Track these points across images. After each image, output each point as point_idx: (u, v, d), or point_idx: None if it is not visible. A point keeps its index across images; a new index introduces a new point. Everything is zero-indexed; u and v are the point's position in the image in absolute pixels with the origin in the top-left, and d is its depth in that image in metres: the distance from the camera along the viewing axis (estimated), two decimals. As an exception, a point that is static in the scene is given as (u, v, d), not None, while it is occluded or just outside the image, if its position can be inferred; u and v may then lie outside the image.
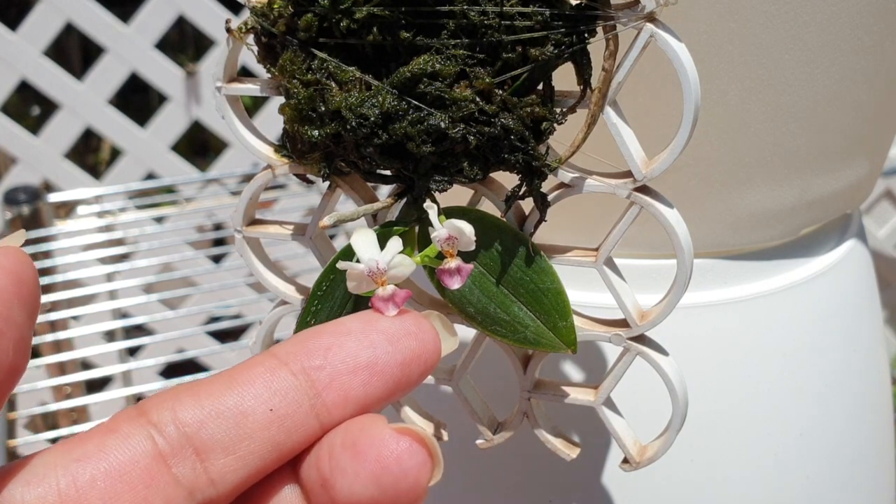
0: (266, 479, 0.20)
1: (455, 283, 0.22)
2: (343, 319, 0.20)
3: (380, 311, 0.21)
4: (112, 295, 0.75)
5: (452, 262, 0.22)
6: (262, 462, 0.19)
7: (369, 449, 0.18)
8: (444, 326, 0.21)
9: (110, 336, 0.90)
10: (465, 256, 0.22)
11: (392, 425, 0.19)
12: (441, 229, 0.22)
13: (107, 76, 1.07)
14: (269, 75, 0.25)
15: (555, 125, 0.23)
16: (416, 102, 0.22)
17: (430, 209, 0.22)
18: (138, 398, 0.65)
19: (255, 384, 0.19)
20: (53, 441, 0.61)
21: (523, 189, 0.24)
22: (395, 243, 0.21)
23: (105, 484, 0.18)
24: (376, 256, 0.21)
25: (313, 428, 0.19)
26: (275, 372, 0.19)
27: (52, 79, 1.05)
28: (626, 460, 0.27)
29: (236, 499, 0.19)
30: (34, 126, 1.12)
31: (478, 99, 0.22)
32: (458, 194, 0.25)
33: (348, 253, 0.23)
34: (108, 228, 0.81)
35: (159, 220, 0.95)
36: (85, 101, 1.07)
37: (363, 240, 0.22)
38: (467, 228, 0.22)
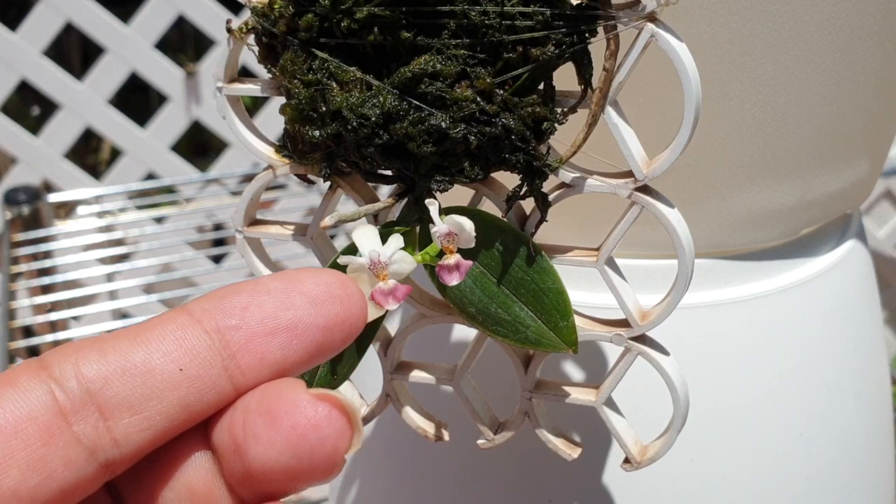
0: (175, 442, 0.18)
1: (454, 280, 0.22)
2: (264, 278, 0.19)
3: (380, 304, 0.20)
4: (112, 295, 0.76)
5: (451, 259, 0.22)
6: (169, 423, 0.18)
7: (285, 415, 0.17)
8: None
9: (110, 336, 0.90)
10: (467, 256, 0.23)
11: (310, 390, 0.18)
12: (441, 225, 0.22)
13: (107, 76, 1.07)
14: (269, 75, 0.25)
15: (556, 125, 0.23)
16: (416, 102, 0.22)
17: (431, 205, 0.22)
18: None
19: (165, 341, 0.18)
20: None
21: (524, 189, 0.24)
22: (397, 239, 0.21)
23: None
24: (379, 248, 0.21)
25: (226, 390, 0.18)
26: (187, 329, 0.18)
27: (52, 79, 1.05)
28: (627, 460, 0.27)
29: (143, 461, 0.18)
30: (34, 126, 1.11)
31: (479, 99, 0.22)
32: (459, 194, 0.25)
33: (350, 252, 0.23)
34: (108, 229, 0.81)
35: (159, 220, 0.95)
36: (85, 101, 1.07)
37: (365, 234, 0.22)
38: (468, 224, 0.22)
